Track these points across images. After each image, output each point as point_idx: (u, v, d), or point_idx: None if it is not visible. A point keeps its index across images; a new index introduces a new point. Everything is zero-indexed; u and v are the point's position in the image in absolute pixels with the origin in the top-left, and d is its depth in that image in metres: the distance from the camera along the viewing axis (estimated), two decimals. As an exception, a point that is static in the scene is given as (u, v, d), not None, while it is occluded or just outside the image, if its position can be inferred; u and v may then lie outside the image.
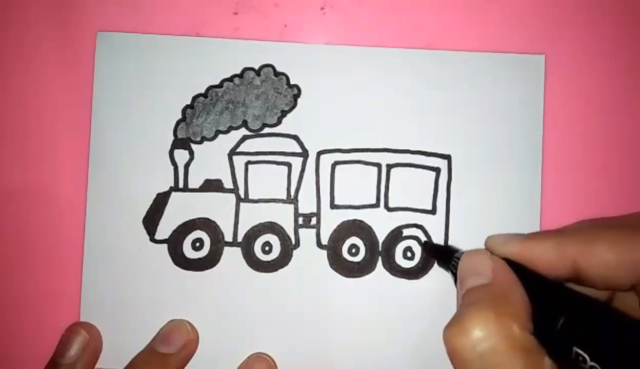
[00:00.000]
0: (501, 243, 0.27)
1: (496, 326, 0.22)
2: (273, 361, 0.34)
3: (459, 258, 0.27)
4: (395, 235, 0.34)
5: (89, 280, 0.34)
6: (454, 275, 0.27)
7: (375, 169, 0.35)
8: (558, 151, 0.35)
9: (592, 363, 0.22)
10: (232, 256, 0.34)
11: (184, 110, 0.35)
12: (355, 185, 0.35)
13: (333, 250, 0.34)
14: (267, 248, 0.34)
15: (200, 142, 0.35)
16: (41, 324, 0.35)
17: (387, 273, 0.34)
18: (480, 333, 0.22)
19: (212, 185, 0.35)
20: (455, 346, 0.22)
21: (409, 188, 0.35)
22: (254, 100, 0.35)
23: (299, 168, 0.35)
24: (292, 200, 0.35)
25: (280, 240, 0.34)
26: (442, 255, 0.32)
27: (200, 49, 0.35)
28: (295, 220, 0.35)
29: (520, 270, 0.25)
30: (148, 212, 0.34)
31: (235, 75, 0.35)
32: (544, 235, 0.27)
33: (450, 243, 0.34)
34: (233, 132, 0.35)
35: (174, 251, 0.34)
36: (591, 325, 0.23)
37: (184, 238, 0.34)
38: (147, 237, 0.34)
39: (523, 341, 0.22)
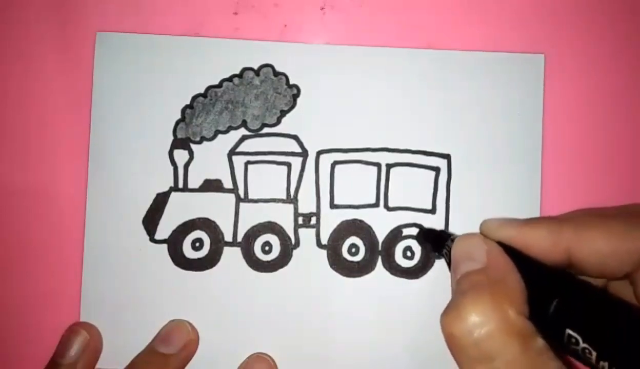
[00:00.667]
0: (496, 227, 0.27)
1: (492, 311, 0.22)
2: (273, 361, 0.34)
3: (452, 243, 0.27)
4: (395, 235, 0.34)
5: (89, 280, 0.34)
6: (448, 259, 0.27)
7: (374, 169, 0.35)
8: (558, 150, 0.35)
9: (585, 345, 0.22)
10: (232, 256, 0.34)
11: (183, 110, 0.35)
12: (355, 184, 0.35)
13: (333, 250, 0.34)
14: (267, 248, 0.34)
15: (199, 142, 0.35)
16: (41, 324, 0.35)
17: (387, 273, 0.34)
18: (477, 319, 0.22)
19: (211, 185, 0.35)
20: (453, 332, 0.22)
21: (409, 188, 0.35)
22: (253, 100, 0.35)
23: (299, 168, 0.35)
24: (291, 199, 0.35)
25: (280, 239, 0.34)
26: (435, 239, 0.32)
27: (199, 49, 0.35)
28: (295, 220, 0.35)
29: (513, 254, 0.25)
30: (148, 212, 0.34)
31: (234, 75, 0.35)
32: (539, 221, 0.27)
33: (449, 242, 0.34)
34: (232, 132, 0.35)
35: (173, 251, 0.34)
36: (583, 307, 0.23)
37: (184, 238, 0.34)
38: (147, 237, 0.34)
39: (519, 326, 0.22)
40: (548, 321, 0.23)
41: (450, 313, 0.23)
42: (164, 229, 0.34)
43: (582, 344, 0.22)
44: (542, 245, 0.25)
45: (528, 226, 0.26)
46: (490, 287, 0.23)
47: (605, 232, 0.25)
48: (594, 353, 0.22)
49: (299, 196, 0.35)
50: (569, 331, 0.22)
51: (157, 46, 0.35)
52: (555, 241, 0.25)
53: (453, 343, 0.22)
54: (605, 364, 0.21)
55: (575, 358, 0.23)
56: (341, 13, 0.35)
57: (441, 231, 0.34)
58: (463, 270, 0.25)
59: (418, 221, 0.34)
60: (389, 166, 0.35)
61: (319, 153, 0.35)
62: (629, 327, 0.22)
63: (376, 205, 0.35)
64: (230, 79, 0.35)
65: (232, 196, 0.35)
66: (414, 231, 0.34)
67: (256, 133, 0.35)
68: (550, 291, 0.23)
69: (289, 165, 0.35)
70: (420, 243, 0.34)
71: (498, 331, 0.21)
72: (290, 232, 0.35)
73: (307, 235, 0.35)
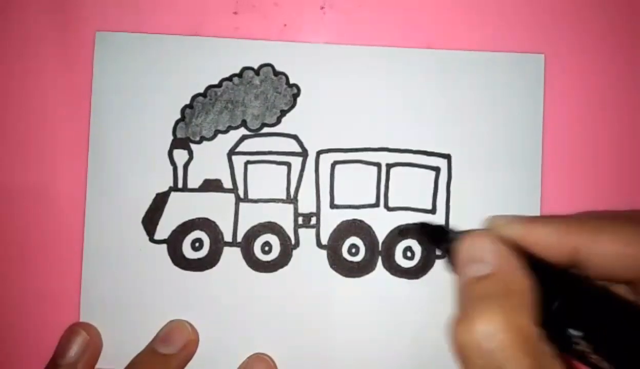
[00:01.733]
0: (503, 224, 0.26)
1: (504, 322, 0.21)
2: (273, 361, 0.34)
3: (454, 239, 0.26)
4: (395, 235, 0.34)
5: (89, 280, 0.34)
6: (449, 256, 0.26)
7: (375, 169, 0.35)
8: (558, 150, 0.35)
9: (588, 344, 0.22)
10: (231, 256, 0.34)
11: (183, 110, 0.35)
12: (355, 184, 0.35)
13: (333, 250, 0.34)
14: (266, 248, 0.34)
15: (199, 142, 0.35)
16: (41, 324, 0.35)
17: (387, 273, 0.34)
18: (488, 330, 0.21)
19: (211, 185, 0.35)
20: (463, 343, 0.22)
21: (409, 188, 0.35)
22: (253, 100, 0.35)
23: (299, 168, 0.35)
24: (291, 199, 0.35)
25: (280, 239, 0.34)
26: (433, 234, 0.30)
27: (199, 48, 0.35)
28: (295, 220, 0.35)
29: (519, 252, 0.25)
30: (147, 212, 0.34)
31: (234, 75, 0.35)
32: (548, 219, 0.26)
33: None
34: (232, 132, 0.35)
35: (173, 252, 0.34)
36: (588, 307, 0.23)
37: (184, 238, 0.34)
38: (147, 237, 0.34)
39: (531, 336, 0.21)
40: (552, 320, 0.23)
41: (461, 323, 0.22)
42: (164, 229, 0.34)
43: (585, 344, 0.22)
44: (548, 242, 0.25)
45: (536, 224, 0.26)
46: (501, 296, 0.22)
47: (614, 236, 0.24)
48: (597, 354, 0.22)
49: (299, 196, 0.35)
50: (573, 330, 0.22)
51: (157, 46, 0.35)
52: (562, 240, 0.25)
53: (463, 353, 0.22)
54: (610, 365, 0.21)
55: (577, 358, 0.23)
56: (341, 13, 0.35)
57: (441, 226, 0.32)
58: (471, 274, 0.24)
59: (418, 222, 0.34)
60: (389, 166, 0.35)
61: (319, 153, 0.35)
62: (635, 327, 0.22)
63: (376, 205, 0.35)
64: (230, 79, 0.35)
65: (231, 196, 0.35)
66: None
67: (256, 133, 0.35)
68: (555, 289, 0.23)
69: (288, 165, 0.35)
70: (418, 240, 0.34)
71: (509, 342, 0.21)
72: (290, 232, 0.34)
73: (307, 235, 0.35)
